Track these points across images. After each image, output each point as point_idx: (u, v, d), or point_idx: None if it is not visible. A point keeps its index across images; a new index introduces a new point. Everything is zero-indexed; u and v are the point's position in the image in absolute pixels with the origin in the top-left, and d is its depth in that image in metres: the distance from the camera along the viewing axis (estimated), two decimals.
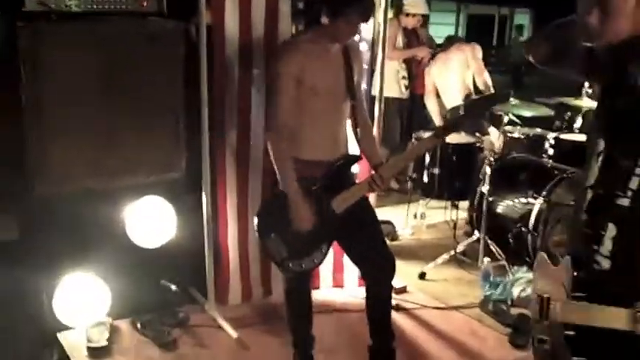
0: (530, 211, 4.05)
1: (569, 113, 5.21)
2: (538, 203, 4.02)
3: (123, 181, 3.27)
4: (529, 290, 3.52)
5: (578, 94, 4.90)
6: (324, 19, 2.64)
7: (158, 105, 3.30)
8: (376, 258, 2.80)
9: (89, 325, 3.14)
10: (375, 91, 3.83)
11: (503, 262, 4.11)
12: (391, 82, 5.52)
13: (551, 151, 4.65)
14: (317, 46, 2.67)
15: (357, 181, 2.90)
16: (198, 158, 3.33)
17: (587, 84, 4.73)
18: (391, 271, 2.83)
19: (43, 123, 3.03)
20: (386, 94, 3.92)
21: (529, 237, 4.00)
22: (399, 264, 2.86)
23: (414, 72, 5.94)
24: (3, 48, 3.04)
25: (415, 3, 5.77)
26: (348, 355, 3.16)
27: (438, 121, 5.64)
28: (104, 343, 3.10)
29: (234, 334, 3.27)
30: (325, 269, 3.79)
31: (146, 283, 3.34)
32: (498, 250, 4.20)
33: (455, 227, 4.66)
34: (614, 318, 1.68)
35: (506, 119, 4.49)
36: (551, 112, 4.88)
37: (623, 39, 1.64)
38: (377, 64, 3.79)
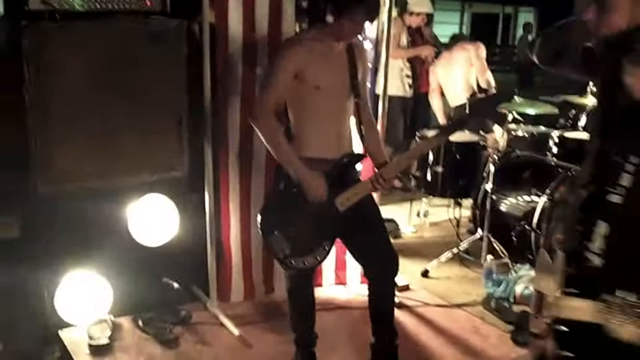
0: (534, 209, 4.04)
1: (573, 111, 5.19)
2: (542, 201, 4.00)
3: (125, 179, 3.28)
4: (532, 288, 3.51)
5: (583, 92, 4.88)
6: (329, 18, 2.63)
7: (161, 103, 3.31)
8: (379, 256, 2.79)
9: (91, 323, 3.15)
10: (379, 90, 3.82)
11: (506, 260, 4.10)
12: (395, 81, 5.52)
13: (555, 149, 4.62)
14: (321, 44, 2.67)
15: (361, 180, 2.89)
16: (200, 157, 3.33)
17: (592, 82, 4.71)
18: (394, 269, 2.83)
19: (46, 122, 3.04)
20: (390, 92, 3.92)
21: (532, 235, 3.99)
22: (402, 262, 2.86)
23: (418, 71, 5.93)
24: (7, 47, 3.05)
25: (419, 2, 5.77)
26: (350, 352, 3.15)
27: (442, 119, 5.63)
28: (106, 340, 3.11)
29: (236, 331, 3.27)
30: (328, 267, 3.79)
31: (148, 281, 3.35)
32: (501, 248, 4.19)
33: (458, 225, 4.65)
34: (583, 310, 1.70)
35: (510, 117, 4.48)
36: (556, 110, 4.86)
37: (618, 33, 1.65)
38: (381, 62, 3.78)
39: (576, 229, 1.78)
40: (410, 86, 5.84)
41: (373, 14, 2.71)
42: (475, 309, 3.70)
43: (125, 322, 3.34)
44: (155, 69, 3.25)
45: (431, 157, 4.50)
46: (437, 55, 5.80)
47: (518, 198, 4.32)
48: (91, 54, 3.06)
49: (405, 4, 5.72)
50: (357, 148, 2.93)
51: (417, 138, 4.69)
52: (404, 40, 5.78)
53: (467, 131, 4.61)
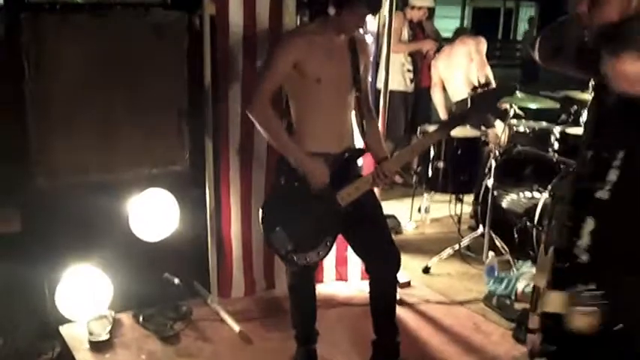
0: (536, 205, 4.02)
1: (575, 107, 5.17)
2: (543, 197, 3.99)
3: (126, 173, 3.27)
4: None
5: (585, 87, 4.86)
6: (331, 10, 2.61)
7: (162, 97, 3.29)
8: (381, 252, 2.77)
9: (91, 319, 3.13)
10: (380, 84, 3.80)
11: (508, 257, 4.09)
12: (396, 75, 5.50)
13: (556, 145, 4.61)
14: (322, 37, 2.65)
15: (362, 175, 2.88)
16: (201, 151, 3.32)
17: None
18: (396, 266, 2.81)
19: (46, 115, 3.03)
20: (391, 87, 3.90)
21: (534, 231, 3.97)
22: (403, 258, 2.84)
23: (419, 65, 5.91)
24: (6, 39, 3.02)
25: None
26: (351, 349, 3.14)
27: (443, 114, 5.61)
28: (106, 336, 3.09)
29: (236, 327, 3.26)
30: (328, 263, 3.77)
31: (149, 277, 3.33)
32: (503, 244, 4.18)
33: (459, 221, 4.64)
34: (554, 303, 1.73)
35: (511, 112, 4.46)
36: (557, 105, 4.85)
37: (608, 25, 1.65)
38: (382, 57, 3.76)
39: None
40: (411, 81, 5.82)
41: (375, 7, 2.69)
42: (476, 306, 3.69)
43: (125, 317, 3.32)
44: (155, 62, 3.23)
45: (432, 152, 4.49)
46: (438, 49, 5.77)
47: (520, 194, 4.31)
48: (91, 46, 3.04)
49: None
50: (358, 142, 2.91)
51: (418, 133, 4.68)
52: (405, 34, 5.76)
53: (468, 127, 4.60)
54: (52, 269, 3.08)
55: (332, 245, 2.73)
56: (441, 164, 4.42)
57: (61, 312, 3.12)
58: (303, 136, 2.71)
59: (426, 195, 5.02)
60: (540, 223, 3.94)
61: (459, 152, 4.45)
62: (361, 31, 2.87)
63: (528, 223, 4.02)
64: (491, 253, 4.07)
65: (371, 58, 3.25)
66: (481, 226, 4.31)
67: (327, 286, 3.78)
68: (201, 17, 3.17)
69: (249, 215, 3.48)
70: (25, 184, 3.07)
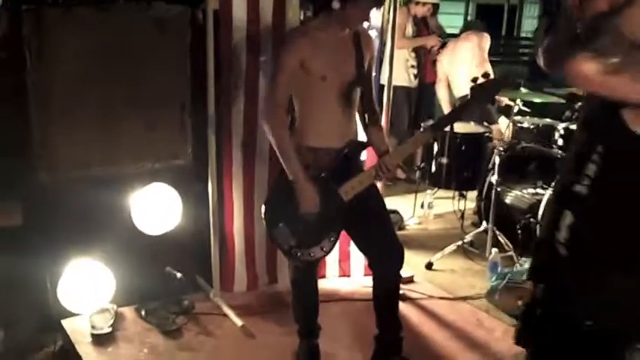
0: (539, 201, 4.01)
1: (579, 103, 5.14)
2: (547, 194, 3.98)
3: (128, 167, 3.27)
4: None
5: None
6: (335, 4, 2.59)
7: (164, 91, 3.29)
8: (384, 247, 2.76)
9: (93, 312, 3.13)
10: (384, 80, 3.79)
11: (511, 253, 4.08)
12: (400, 71, 5.48)
13: (560, 142, 4.58)
14: (326, 34, 2.63)
15: (365, 169, 2.87)
16: (204, 145, 3.31)
17: None
18: (399, 261, 2.80)
19: (48, 109, 3.03)
20: (395, 82, 3.89)
21: (537, 228, 3.96)
22: (406, 254, 2.83)
23: (423, 61, 5.90)
24: (8, 32, 3.02)
25: None
26: (354, 344, 3.14)
27: (447, 110, 5.60)
28: (108, 329, 3.09)
29: (239, 322, 3.25)
30: (331, 258, 3.76)
31: (151, 271, 3.32)
32: (506, 240, 4.17)
33: (462, 217, 4.63)
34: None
35: (516, 109, 4.44)
36: (562, 100, 4.83)
37: (595, 16, 1.65)
38: (386, 52, 3.74)
39: (549, 218, 1.80)
40: (415, 76, 5.81)
41: (379, 0, 2.67)
42: (479, 302, 3.68)
43: (128, 311, 3.32)
44: (158, 56, 3.22)
45: (436, 148, 4.47)
46: (442, 45, 5.76)
47: (524, 190, 4.30)
48: (93, 40, 3.04)
49: None
50: (362, 137, 2.90)
51: (421, 128, 4.66)
52: (409, 30, 5.74)
53: (472, 123, 4.59)
54: (55, 263, 3.08)
55: (336, 241, 2.72)
56: (444, 160, 4.41)
57: (64, 305, 3.11)
58: (306, 131, 2.69)
59: (429, 191, 5.01)
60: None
61: (463, 148, 4.43)
62: (365, 25, 2.86)
63: (532, 220, 4.01)
64: (494, 250, 4.06)
65: (375, 53, 3.24)
66: (484, 222, 4.31)
67: (330, 282, 3.78)
68: (205, 11, 3.16)
69: (251, 210, 3.47)
70: (27, 178, 3.07)
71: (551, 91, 5.20)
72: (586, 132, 1.77)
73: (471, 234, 4.34)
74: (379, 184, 3.12)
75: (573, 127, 4.67)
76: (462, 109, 3.15)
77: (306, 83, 2.63)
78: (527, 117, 4.98)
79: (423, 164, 4.71)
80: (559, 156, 4.28)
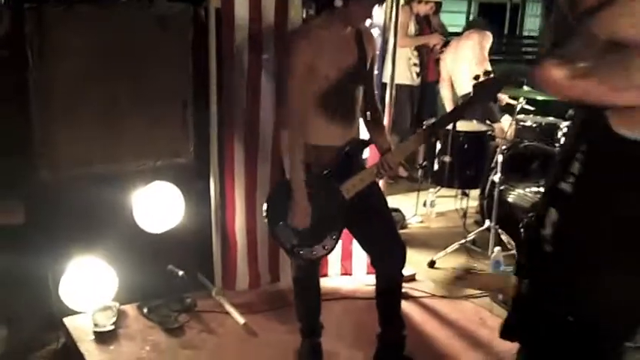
0: None
1: None
2: None
3: (130, 165, 3.26)
4: None
5: None
6: (337, 2, 2.58)
7: (166, 89, 3.28)
8: (387, 245, 2.76)
9: (96, 310, 3.13)
10: (386, 78, 3.78)
11: (514, 252, 4.06)
12: (402, 69, 5.47)
13: (563, 140, 4.58)
14: (328, 33, 2.62)
15: (366, 166, 2.86)
16: (206, 143, 3.30)
17: None
18: (402, 260, 2.80)
19: (49, 107, 3.02)
20: (397, 81, 3.88)
21: None
22: (408, 252, 2.83)
23: (426, 59, 5.89)
24: (10, 31, 3.02)
25: None
26: (356, 342, 3.13)
27: (450, 108, 5.59)
28: (110, 327, 3.09)
29: (241, 320, 3.25)
30: (333, 257, 3.76)
31: (153, 269, 3.33)
32: (509, 239, 4.16)
33: (465, 216, 4.62)
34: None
35: (518, 107, 4.43)
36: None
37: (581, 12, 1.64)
38: (388, 51, 3.74)
39: (536, 215, 1.80)
40: (417, 75, 5.80)
41: None
42: (482, 301, 3.67)
43: (130, 309, 3.32)
44: (160, 54, 3.22)
45: (438, 146, 4.46)
46: (445, 44, 5.75)
47: (526, 189, 4.28)
48: (94, 38, 3.03)
49: None
50: (364, 134, 2.90)
51: (424, 127, 4.65)
52: (412, 28, 5.73)
53: (475, 121, 4.58)
54: (57, 261, 3.08)
55: (338, 239, 2.72)
56: (447, 159, 4.39)
57: (66, 303, 3.11)
58: (309, 129, 2.68)
59: (431, 189, 5.00)
60: None
61: (466, 147, 4.42)
62: (368, 23, 2.85)
63: None
64: (497, 248, 4.06)
65: (377, 52, 3.23)
66: (487, 221, 4.30)
67: (332, 280, 3.77)
68: (207, 9, 3.16)
69: (253, 208, 3.47)
70: (28, 176, 3.07)
71: None
72: (574, 129, 1.78)
73: (474, 233, 4.33)
74: (381, 183, 3.11)
75: None
76: (465, 107, 3.15)
77: (309, 81, 2.62)
78: (530, 115, 4.97)
79: (425, 162, 4.70)
80: None
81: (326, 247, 2.69)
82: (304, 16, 3.39)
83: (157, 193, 3.30)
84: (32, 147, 3.03)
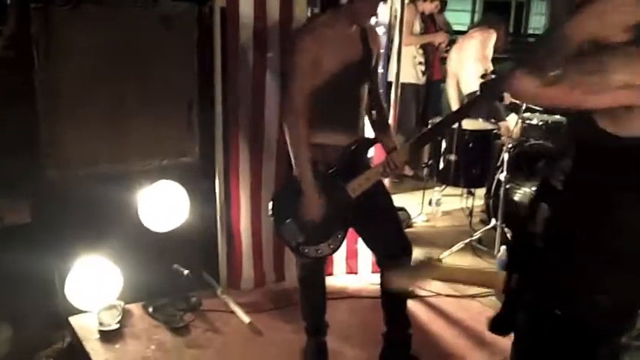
0: None
1: None
2: None
3: (136, 165, 3.27)
4: None
5: None
6: (342, 0, 2.58)
7: (171, 88, 3.28)
8: (393, 244, 2.75)
9: (101, 309, 3.13)
10: (392, 77, 3.78)
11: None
12: (408, 68, 5.47)
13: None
14: (333, 31, 2.61)
15: (372, 165, 2.85)
16: (212, 142, 3.31)
17: None
18: (408, 258, 2.79)
19: (56, 107, 3.03)
20: (402, 79, 3.87)
21: None
22: (414, 251, 2.82)
23: (431, 58, 5.87)
24: (16, 31, 3.02)
25: None
26: (361, 341, 3.12)
27: (455, 107, 5.58)
28: (116, 326, 3.10)
29: (246, 319, 3.25)
30: (339, 256, 3.75)
31: (158, 268, 3.33)
32: None
33: (471, 215, 4.61)
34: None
35: (524, 105, 4.42)
36: None
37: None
38: (393, 49, 3.73)
39: (528, 211, 1.80)
40: (423, 73, 5.79)
41: None
42: (488, 300, 3.65)
43: (135, 308, 3.32)
44: (165, 53, 3.22)
45: (444, 145, 4.45)
46: (450, 42, 5.74)
47: (532, 188, 4.26)
48: (100, 38, 3.03)
49: None
50: (369, 133, 2.89)
51: (429, 125, 4.64)
52: (417, 26, 5.72)
53: (480, 120, 4.57)
54: (62, 260, 3.08)
55: (344, 237, 2.71)
56: (452, 157, 4.39)
57: (71, 302, 3.12)
58: (313, 128, 2.68)
59: (437, 188, 4.99)
60: None
61: (471, 145, 4.42)
62: (373, 21, 2.84)
63: None
64: (503, 247, 4.04)
65: (382, 50, 3.22)
66: (493, 220, 4.29)
67: (338, 279, 3.77)
68: (211, 8, 3.16)
69: (258, 207, 3.47)
70: (35, 175, 3.07)
71: None
72: (566, 127, 1.79)
73: (480, 231, 4.32)
74: (386, 181, 3.11)
75: None
76: (470, 106, 3.15)
77: (314, 80, 2.62)
78: (536, 114, 4.95)
79: (430, 161, 4.69)
80: None
81: (331, 246, 2.69)
82: (309, 14, 3.39)
83: (163, 193, 3.30)
84: (39, 146, 3.03)
